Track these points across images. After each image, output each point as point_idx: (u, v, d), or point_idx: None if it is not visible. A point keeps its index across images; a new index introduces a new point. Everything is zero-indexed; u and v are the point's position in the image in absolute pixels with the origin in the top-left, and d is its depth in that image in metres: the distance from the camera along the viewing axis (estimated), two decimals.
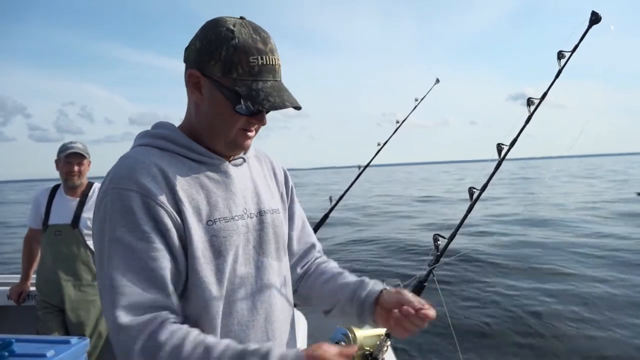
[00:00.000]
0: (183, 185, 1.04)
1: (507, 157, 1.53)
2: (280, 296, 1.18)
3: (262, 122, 1.10)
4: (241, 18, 1.08)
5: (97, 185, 3.16)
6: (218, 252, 1.05)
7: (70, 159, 3.05)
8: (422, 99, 3.04)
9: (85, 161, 3.10)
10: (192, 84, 1.08)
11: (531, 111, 1.47)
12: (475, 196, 1.50)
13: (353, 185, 3.24)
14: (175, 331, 0.93)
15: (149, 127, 1.19)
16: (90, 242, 2.99)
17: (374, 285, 1.21)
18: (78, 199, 3.07)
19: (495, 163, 1.52)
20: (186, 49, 1.10)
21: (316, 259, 1.37)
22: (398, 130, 3.07)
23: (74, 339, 2.22)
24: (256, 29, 1.06)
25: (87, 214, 3.02)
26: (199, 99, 1.08)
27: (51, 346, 2.09)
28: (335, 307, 1.24)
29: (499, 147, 1.47)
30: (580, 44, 1.47)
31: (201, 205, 1.05)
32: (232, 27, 1.03)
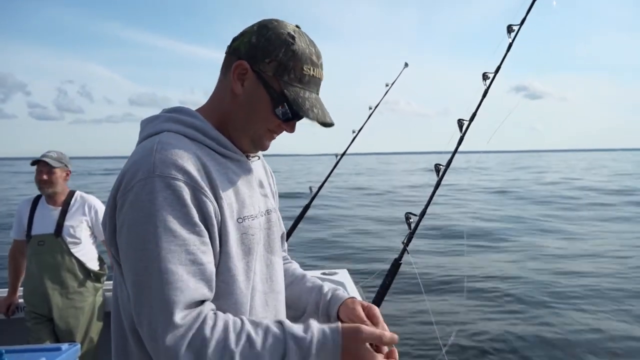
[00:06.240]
0: (219, 180, 1.02)
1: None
2: (283, 292, 1.20)
3: (292, 129, 1.10)
4: (297, 26, 1.10)
5: (79, 194, 3.15)
6: (248, 249, 1.05)
7: (40, 167, 3.03)
8: (392, 84, 3.12)
9: (56, 170, 3.03)
10: (237, 73, 1.06)
11: (487, 85, 1.51)
12: (441, 172, 1.55)
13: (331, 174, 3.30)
14: (215, 324, 0.91)
15: (148, 108, 1.15)
16: (74, 250, 3.01)
17: (332, 298, 1.23)
18: (60, 207, 3.06)
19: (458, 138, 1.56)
20: (235, 40, 1.10)
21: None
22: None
23: (64, 346, 2.23)
24: (312, 42, 1.09)
25: (69, 222, 3.02)
26: (238, 90, 1.07)
27: (42, 354, 2.10)
28: (305, 315, 1.29)
29: (460, 123, 1.52)
30: (528, 17, 1.52)
31: (232, 201, 1.04)
32: (292, 32, 1.06)
